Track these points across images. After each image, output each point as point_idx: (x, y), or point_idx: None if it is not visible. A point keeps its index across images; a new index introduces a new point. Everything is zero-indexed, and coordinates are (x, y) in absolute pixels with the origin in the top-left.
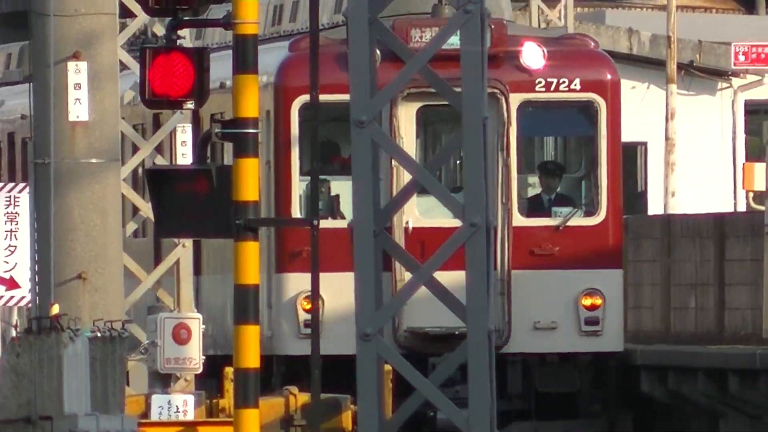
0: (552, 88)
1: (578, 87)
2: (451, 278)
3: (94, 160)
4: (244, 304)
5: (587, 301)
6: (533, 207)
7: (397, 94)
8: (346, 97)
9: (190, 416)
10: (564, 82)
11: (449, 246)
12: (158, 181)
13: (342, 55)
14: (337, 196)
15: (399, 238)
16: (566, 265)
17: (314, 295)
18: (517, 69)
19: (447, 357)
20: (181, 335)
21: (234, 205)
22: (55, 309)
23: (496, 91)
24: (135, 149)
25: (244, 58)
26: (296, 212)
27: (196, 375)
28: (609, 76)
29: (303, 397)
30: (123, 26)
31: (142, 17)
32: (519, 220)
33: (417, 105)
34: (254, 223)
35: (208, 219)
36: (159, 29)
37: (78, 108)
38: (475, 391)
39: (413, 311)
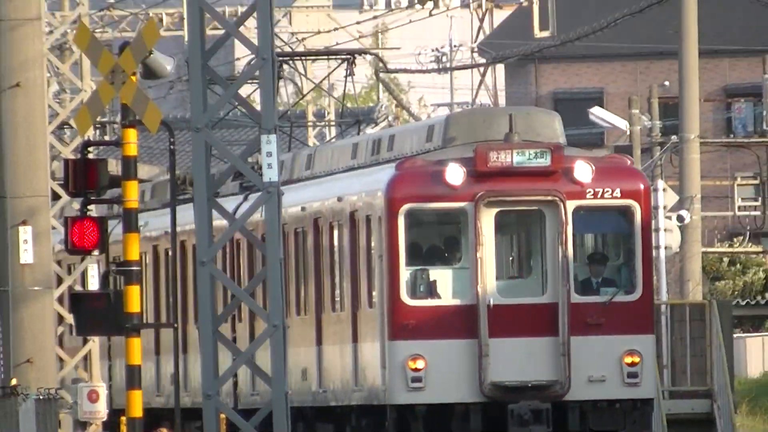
0: (599, 196)
1: (619, 195)
2: (527, 344)
3: (36, 288)
4: (131, 376)
5: (628, 360)
6: (585, 288)
7: (480, 203)
8: (441, 204)
9: None
10: (608, 191)
11: (258, 342)
12: (76, 300)
13: (436, 172)
14: (435, 281)
15: (483, 313)
16: (612, 332)
17: (176, 379)
18: (572, 182)
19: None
20: (92, 397)
21: (124, 315)
22: (13, 381)
23: (556, 198)
24: (60, 281)
25: (129, 224)
26: (404, 294)
27: (103, 422)
28: (642, 186)
29: None
30: (54, 202)
31: (65, 198)
32: (575, 298)
33: (495, 210)
34: (136, 326)
35: (108, 324)
36: (76, 205)
37: (26, 255)
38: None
39: (496, 368)
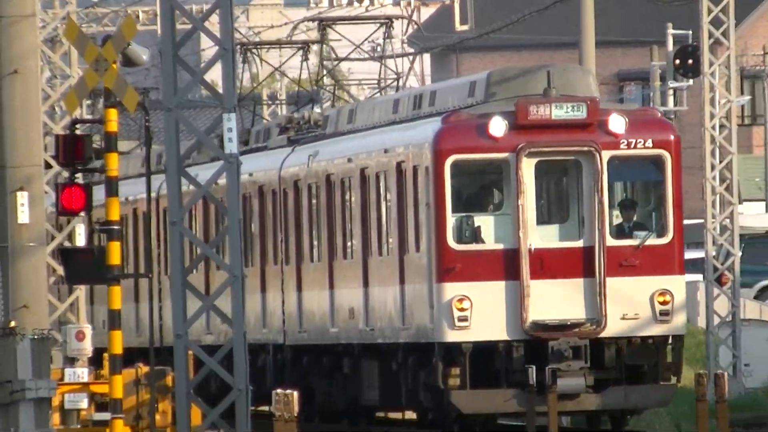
0: (632, 146)
1: (651, 145)
2: (565, 285)
3: (31, 244)
4: (113, 319)
5: (660, 299)
6: (619, 232)
7: (521, 153)
8: (485, 155)
9: (85, 379)
10: (640, 141)
11: (219, 290)
12: (66, 255)
13: (480, 125)
14: (479, 227)
15: (524, 257)
16: (644, 273)
17: (151, 321)
18: (606, 133)
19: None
20: (79, 336)
21: (106, 267)
22: (12, 324)
23: (592, 149)
24: (52, 238)
25: (111, 189)
26: (450, 240)
27: (88, 358)
28: (672, 137)
29: (144, 369)
30: (47, 171)
31: (56, 168)
32: (610, 241)
33: (535, 160)
34: (117, 276)
35: (93, 274)
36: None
37: (23, 216)
38: (238, 367)
39: (537, 307)
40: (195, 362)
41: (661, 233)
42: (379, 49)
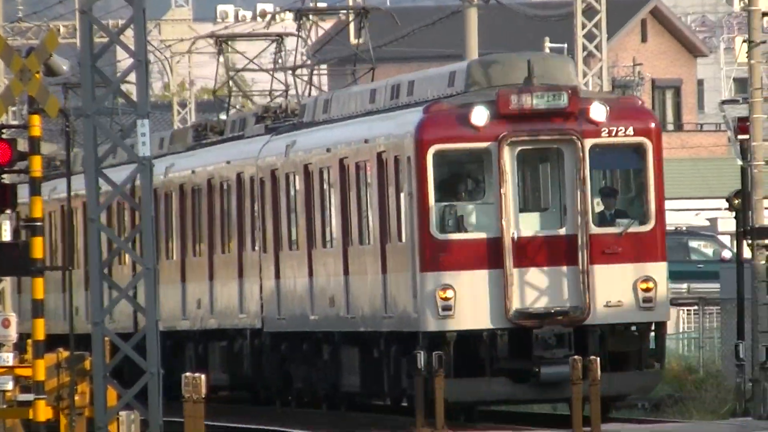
0: (613, 134)
1: (632, 133)
2: (549, 273)
3: None
4: (36, 308)
5: (643, 286)
6: (601, 220)
7: (503, 142)
8: (467, 145)
9: (10, 363)
10: (622, 129)
11: (134, 281)
12: None
13: (462, 115)
14: (462, 216)
15: (507, 245)
16: (627, 260)
17: (70, 310)
18: (588, 121)
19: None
20: (5, 324)
21: (30, 260)
22: None
23: (573, 137)
24: None
25: (34, 189)
26: (433, 229)
27: (14, 343)
28: (653, 125)
29: (65, 353)
30: None
31: None
32: (593, 229)
33: (517, 149)
34: (40, 269)
35: (18, 268)
36: None
37: None
38: (150, 352)
39: (520, 296)
40: (111, 347)
41: (642, 221)
42: (280, 62)
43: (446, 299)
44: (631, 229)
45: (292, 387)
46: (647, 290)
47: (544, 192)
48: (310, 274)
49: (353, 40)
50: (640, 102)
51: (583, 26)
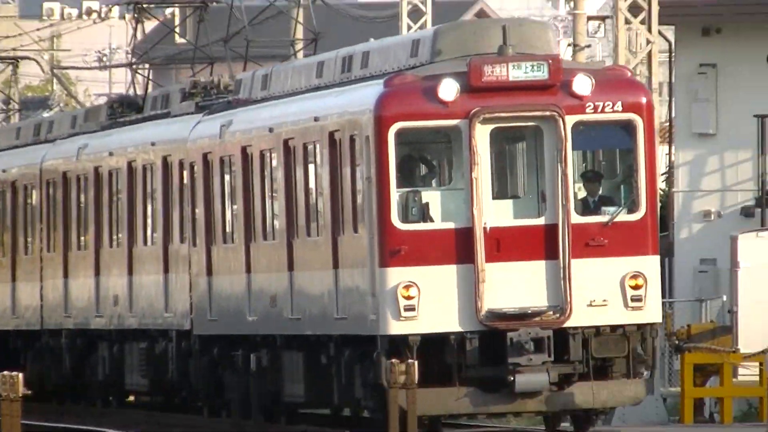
0: (599, 110)
1: (620, 109)
2: (525, 268)
3: None
4: None
5: (632, 282)
6: (585, 208)
7: (475, 120)
8: (433, 122)
9: None
10: (609, 105)
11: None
12: None
13: (428, 88)
14: (427, 204)
15: (479, 237)
16: (614, 253)
17: None
18: (570, 95)
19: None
20: None
21: None
22: None
23: (554, 113)
24: None
25: None
26: (395, 217)
27: None
28: (644, 99)
29: None
30: None
31: None
32: (575, 218)
33: (490, 127)
34: None
35: None
36: None
37: None
38: None
39: (493, 294)
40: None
41: (632, 208)
42: (105, 59)
43: (409, 298)
44: (619, 218)
45: (224, 395)
46: (636, 287)
47: (520, 176)
48: (248, 270)
49: (177, 40)
50: (629, 73)
51: (409, 28)
